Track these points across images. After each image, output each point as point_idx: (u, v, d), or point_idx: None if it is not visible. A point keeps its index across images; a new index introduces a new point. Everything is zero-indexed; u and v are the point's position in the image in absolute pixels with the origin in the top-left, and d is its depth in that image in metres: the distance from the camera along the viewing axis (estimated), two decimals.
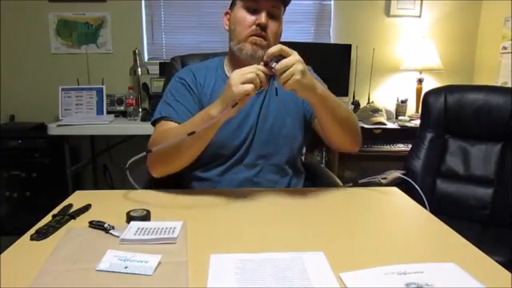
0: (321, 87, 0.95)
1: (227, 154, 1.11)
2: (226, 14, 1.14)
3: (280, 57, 0.88)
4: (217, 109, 0.91)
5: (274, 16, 1.07)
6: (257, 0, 1.04)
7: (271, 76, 0.92)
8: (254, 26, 1.04)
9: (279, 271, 0.63)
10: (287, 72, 0.86)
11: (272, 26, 1.06)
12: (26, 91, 2.74)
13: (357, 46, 2.73)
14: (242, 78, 0.87)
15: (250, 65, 1.04)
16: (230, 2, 1.12)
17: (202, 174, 1.14)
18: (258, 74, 0.87)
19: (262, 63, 0.90)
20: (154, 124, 1.13)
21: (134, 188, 1.01)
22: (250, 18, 1.05)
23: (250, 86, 0.86)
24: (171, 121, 1.08)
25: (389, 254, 0.70)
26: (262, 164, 1.12)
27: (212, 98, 1.06)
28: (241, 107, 0.90)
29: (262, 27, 1.04)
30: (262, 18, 1.03)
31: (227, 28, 1.13)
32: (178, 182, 1.17)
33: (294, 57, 0.88)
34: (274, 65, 0.88)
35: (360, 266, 0.64)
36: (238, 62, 1.11)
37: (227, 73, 1.16)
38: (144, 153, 0.96)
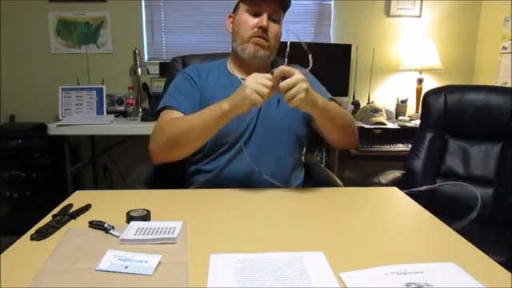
0: (321, 100, 1.02)
1: (228, 144, 1.14)
2: (230, 17, 1.22)
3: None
4: (228, 104, 0.97)
5: (275, 19, 1.16)
6: (259, 4, 1.13)
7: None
8: (256, 28, 1.13)
9: (279, 271, 0.63)
10: (292, 90, 0.92)
11: (272, 28, 1.15)
12: (25, 91, 2.74)
13: (357, 46, 2.73)
14: (257, 87, 0.92)
15: (252, 64, 1.16)
16: (234, 5, 1.19)
17: (204, 166, 1.17)
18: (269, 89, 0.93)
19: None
20: (157, 115, 1.18)
21: (134, 188, 1.01)
22: (253, 21, 1.14)
23: (259, 99, 0.92)
24: (174, 110, 1.14)
25: (389, 254, 0.70)
26: (262, 155, 1.14)
27: (215, 92, 1.16)
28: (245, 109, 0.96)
29: (264, 29, 1.12)
30: (264, 20, 1.12)
31: (230, 30, 1.22)
32: (181, 177, 1.20)
33: (297, 76, 0.93)
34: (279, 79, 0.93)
35: (360, 266, 0.64)
36: (241, 62, 1.20)
37: (230, 70, 1.24)
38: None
